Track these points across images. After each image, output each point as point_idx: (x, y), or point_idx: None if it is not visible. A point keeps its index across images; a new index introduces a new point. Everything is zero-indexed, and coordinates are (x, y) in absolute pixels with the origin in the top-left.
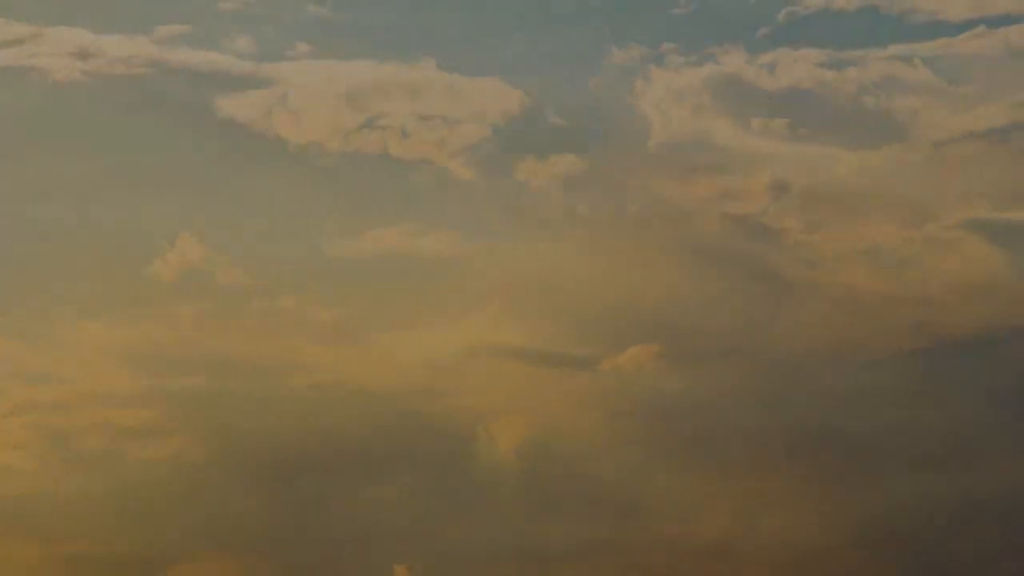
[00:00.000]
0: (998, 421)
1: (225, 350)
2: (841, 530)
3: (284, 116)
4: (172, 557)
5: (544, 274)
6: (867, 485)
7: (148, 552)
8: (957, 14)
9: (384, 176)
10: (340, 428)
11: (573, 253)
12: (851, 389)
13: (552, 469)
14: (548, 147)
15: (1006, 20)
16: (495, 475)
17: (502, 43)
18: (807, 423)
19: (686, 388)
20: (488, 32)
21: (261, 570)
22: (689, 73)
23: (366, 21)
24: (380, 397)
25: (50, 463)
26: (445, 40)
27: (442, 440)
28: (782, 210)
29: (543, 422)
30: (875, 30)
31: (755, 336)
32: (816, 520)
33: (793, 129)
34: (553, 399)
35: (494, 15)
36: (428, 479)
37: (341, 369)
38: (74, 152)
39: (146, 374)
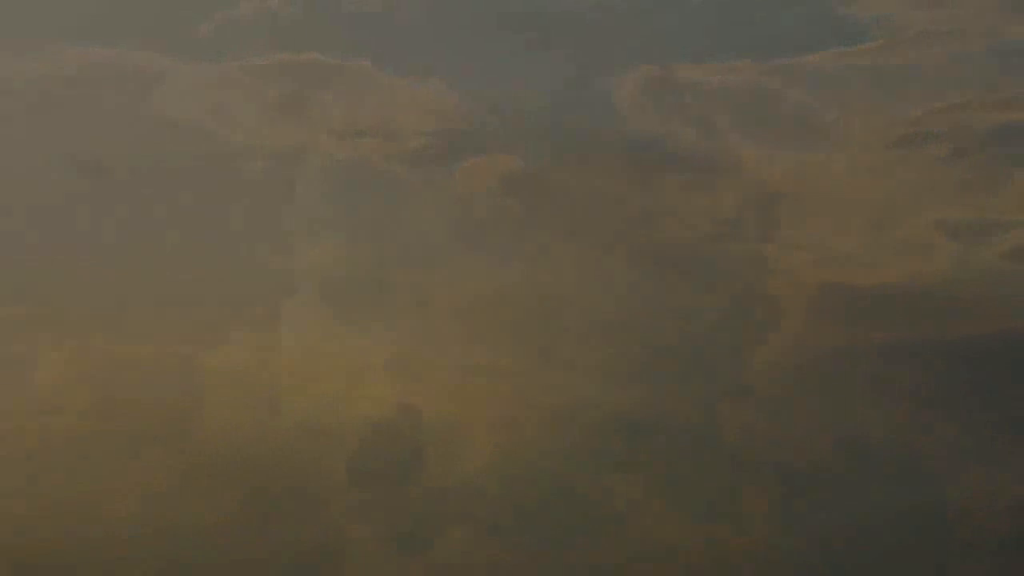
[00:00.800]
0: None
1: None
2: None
3: (224, 117)
4: None
5: (491, 284)
6: (819, 494)
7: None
8: (904, 15)
9: (323, 178)
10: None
11: (523, 261)
12: (814, 397)
13: (510, 482)
14: (494, 150)
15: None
16: (451, 490)
17: (446, 44)
18: (768, 433)
19: (643, 399)
20: (431, 33)
21: None
22: (645, 77)
23: (308, 19)
24: (328, 412)
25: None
26: (387, 40)
27: (394, 454)
28: (741, 214)
29: (497, 435)
30: (824, 33)
31: (715, 345)
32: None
33: (749, 133)
34: (505, 412)
35: (438, 15)
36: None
37: (288, 387)
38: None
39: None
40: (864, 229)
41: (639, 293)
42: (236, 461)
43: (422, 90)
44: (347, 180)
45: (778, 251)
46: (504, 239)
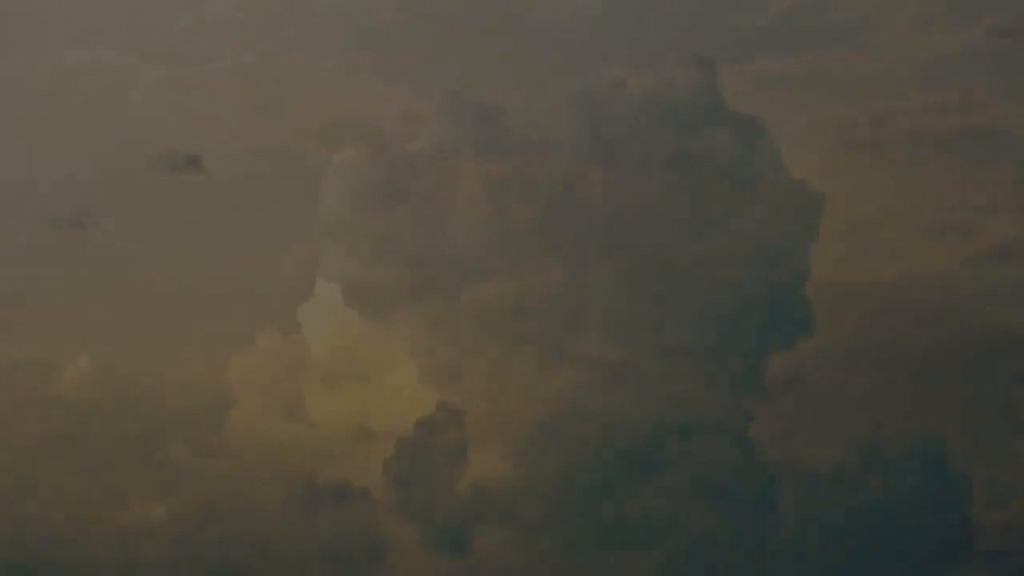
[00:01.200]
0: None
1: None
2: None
3: (204, 121)
4: None
5: (487, 285)
6: (822, 493)
7: None
8: (867, 22)
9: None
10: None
11: (530, 268)
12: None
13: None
14: (488, 152)
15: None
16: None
17: (432, 45)
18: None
19: (636, 407)
20: (418, 35)
21: None
22: (637, 82)
23: (290, 23)
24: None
25: None
26: (373, 42)
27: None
28: (721, 216)
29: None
30: (793, 38)
31: (711, 355)
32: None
33: (737, 134)
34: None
35: (420, 17)
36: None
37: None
38: None
39: None
40: (832, 231)
41: (622, 294)
42: (267, 463)
43: (401, 92)
44: (329, 181)
45: (755, 252)
46: (494, 240)
